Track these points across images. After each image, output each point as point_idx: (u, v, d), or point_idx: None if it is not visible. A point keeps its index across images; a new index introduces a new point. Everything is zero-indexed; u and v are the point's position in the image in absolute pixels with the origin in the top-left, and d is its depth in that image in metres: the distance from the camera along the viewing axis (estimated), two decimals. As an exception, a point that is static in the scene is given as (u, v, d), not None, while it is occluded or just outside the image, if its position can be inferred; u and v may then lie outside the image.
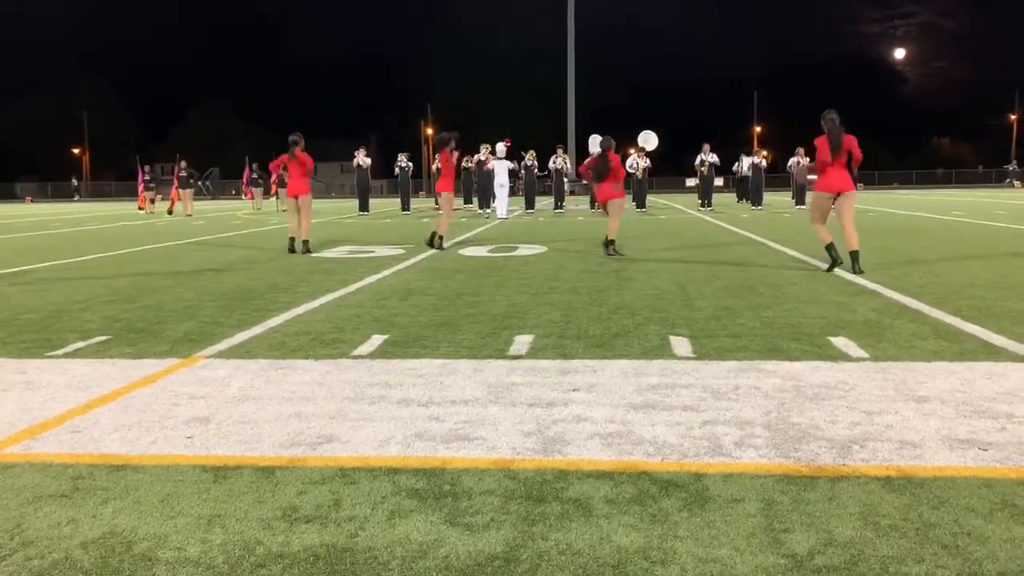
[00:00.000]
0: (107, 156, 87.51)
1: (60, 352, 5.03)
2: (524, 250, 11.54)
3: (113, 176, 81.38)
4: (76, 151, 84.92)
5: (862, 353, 4.63)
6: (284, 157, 11.94)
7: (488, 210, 23.47)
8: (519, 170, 24.39)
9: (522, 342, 5.08)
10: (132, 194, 46.07)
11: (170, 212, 27.17)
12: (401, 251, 11.65)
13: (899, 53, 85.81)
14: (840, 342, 4.92)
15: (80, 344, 5.25)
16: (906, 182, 66.75)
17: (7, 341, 5.39)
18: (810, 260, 9.43)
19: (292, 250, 11.67)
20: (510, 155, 22.43)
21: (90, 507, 2.66)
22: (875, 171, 65.32)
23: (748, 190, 27.03)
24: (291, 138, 11.84)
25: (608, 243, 10.59)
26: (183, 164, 27.82)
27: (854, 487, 2.71)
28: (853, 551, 2.26)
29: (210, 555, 2.31)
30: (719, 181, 37.48)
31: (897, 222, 16.95)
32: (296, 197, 11.84)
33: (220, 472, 2.95)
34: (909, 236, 13.04)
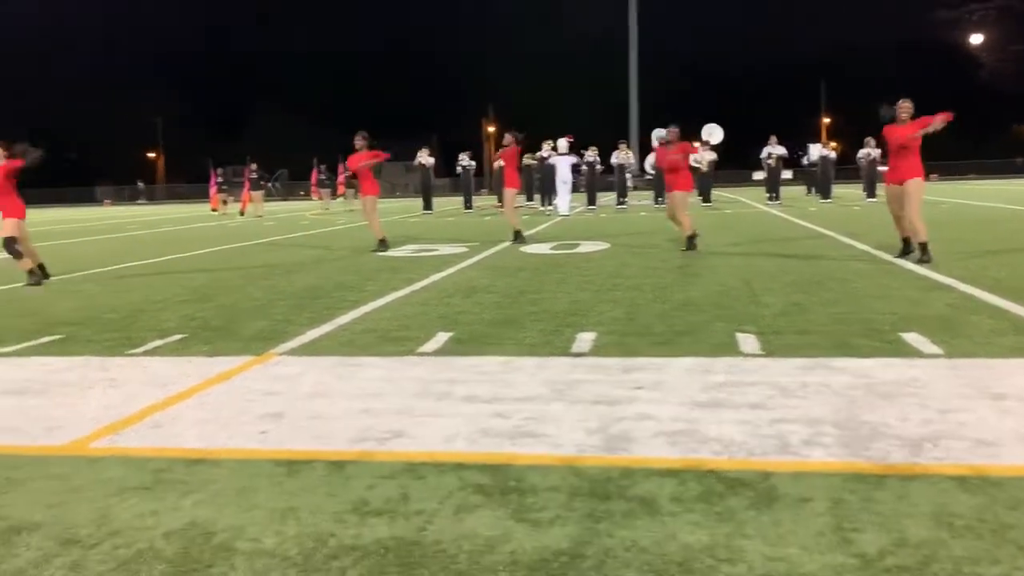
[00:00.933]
0: (180, 159, 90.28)
1: (140, 350, 5.23)
2: (586, 246, 11.53)
3: (185, 179, 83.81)
4: (151, 155, 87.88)
5: (935, 349, 4.52)
6: (365, 155, 11.94)
7: (550, 207, 23.46)
8: (581, 165, 24.31)
9: (585, 339, 5.09)
10: (204, 196, 47.39)
11: (242, 213, 27.87)
12: (464, 249, 11.75)
13: (976, 38, 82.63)
14: (912, 338, 4.81)
15: (159, 342, 5.45)
16: (983, 172, 64.39)
17: (91, 340, 5.63)
18: (881, 254, 9.20)
19: (385, 248, 11.79)
20: (572, 150, 22.40)
21: (171, 499, 2.78)
22: (950, 161, 63.18)
23: (817, 182, 26.46)
24: (362, 139, 11.92)
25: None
26: (253, 166, 28.49)
27: (926, 486, 2.66)
28: (926, 552, 2.22)
29: (285, 546, 2.39)
30: (788, 173, 36.72)
31: (974, 213, 16.39)
32: (375, 195, 12.04)
33: (293, 466, 3.05)
34: (986, 227, 12.60)
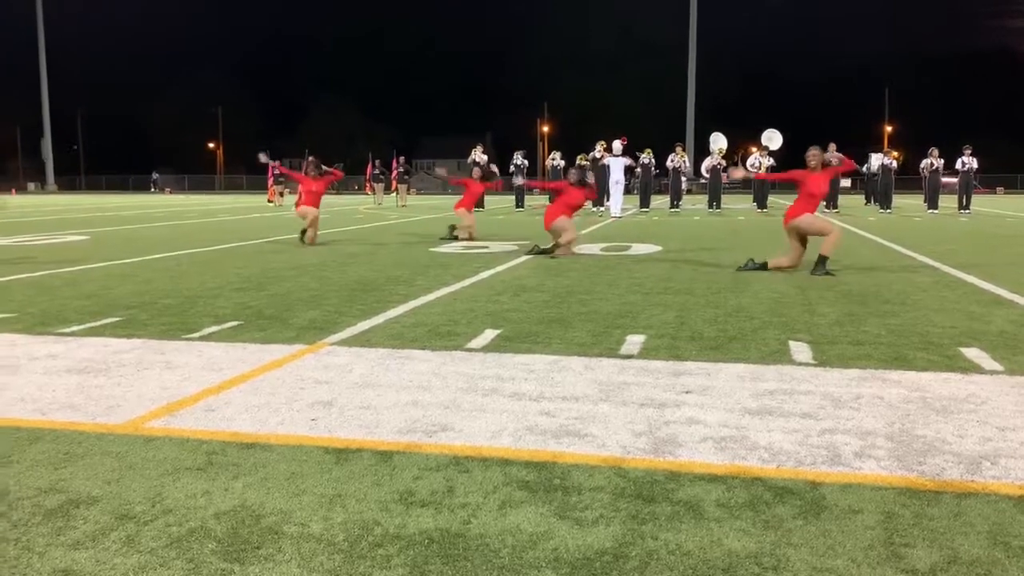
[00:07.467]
0: (238, 150, 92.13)
1: (196, 335, 5.34)
2: (638, 249, 11.46)
3: (244, 170, 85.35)
4: (211, 145, 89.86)
5: (996, 366, 4.39)
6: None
7: (602, 208, 23.37)
8: (635, 167, 24.18)
9: (634, 342, 5.06)
10: (262, 187, 48.29)
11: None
12: (514, 247, 11.76)
13: (1048, 47, 79.91)
14: (972, 353, 4.68)
15: (214, 328, 5.56)
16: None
17: (148, 323, 5.77)
18: (941, 267, 8.98)
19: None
20: (626, 153, 22.27)
21: (223, 481, 2.84)
22: (1016, 174, 61.28)
23: (877, 192, 25.93)
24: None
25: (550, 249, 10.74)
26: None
27: (982, 505, 2.59)
28: (979, 571, 2.17)
29: (331, 532, 2.43)
30: (846, 182, 36.01)
31: (1040, 228, 15.87)
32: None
33: (342, 454, 3.09)
34: (1054, 244, 12.20)
